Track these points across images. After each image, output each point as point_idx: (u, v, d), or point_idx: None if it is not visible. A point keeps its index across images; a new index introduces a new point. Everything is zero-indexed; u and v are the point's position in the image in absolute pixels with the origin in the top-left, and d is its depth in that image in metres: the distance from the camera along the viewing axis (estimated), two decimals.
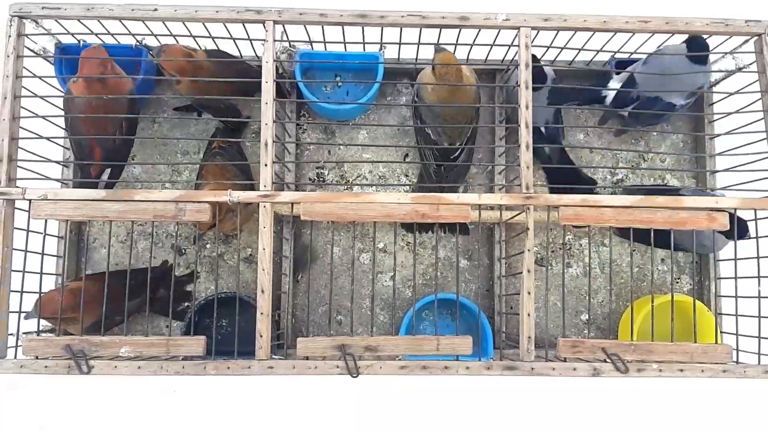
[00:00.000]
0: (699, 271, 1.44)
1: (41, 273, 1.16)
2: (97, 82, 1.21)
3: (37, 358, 1.09)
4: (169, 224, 1.42)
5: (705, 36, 1.25)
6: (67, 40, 1.31)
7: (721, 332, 1.34)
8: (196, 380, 1.48)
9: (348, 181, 1.44)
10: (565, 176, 1.35)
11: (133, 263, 1.40)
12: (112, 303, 1.16)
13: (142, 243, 1.41)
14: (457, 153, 1.32)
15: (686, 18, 1.19)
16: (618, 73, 1.38)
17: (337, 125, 1.46)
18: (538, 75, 1.31)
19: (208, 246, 1.41)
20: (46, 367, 1.08)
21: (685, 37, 1.28)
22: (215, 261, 1.40)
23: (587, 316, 1.43)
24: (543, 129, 1.35)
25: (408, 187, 1.44)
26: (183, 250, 1.41)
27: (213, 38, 1.25)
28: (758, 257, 1.18)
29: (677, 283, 1.44)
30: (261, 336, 1.10)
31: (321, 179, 1.44)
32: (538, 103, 1.32)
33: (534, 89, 1.20)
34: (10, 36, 1.17)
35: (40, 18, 1.19)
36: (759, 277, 1.18)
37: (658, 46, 1.32)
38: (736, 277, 1.21)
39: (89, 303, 1.16)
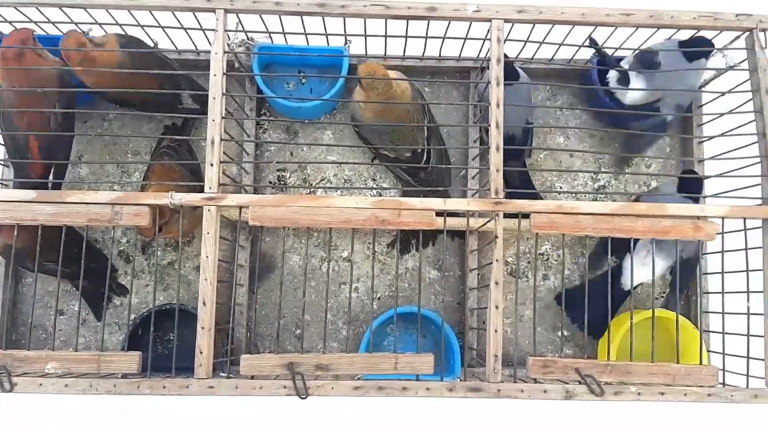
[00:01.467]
0: (686, 285, 1.34)
1: None
2: (16, 66, 1.12)
3: None
4: (116, 230, 1.32)
5: (694, 31, 1.15)
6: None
7: (708, 351, 1.24)
8: (142, 398, 1.38)
9: (311, 184, 1.35)
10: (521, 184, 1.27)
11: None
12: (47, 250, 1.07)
13: None
14: (425, 158, 1.23)
15: (672, 11, 1.10)
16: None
17: (301, 125, 1.37)
18: (511, 71, 1.23)
19: (158, 253, 1.31)
20: None
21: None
22: (164, 269, 1.30)
23: (564, 333, 1.33)
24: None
25: (374, 191, 1.35)
26: (130, 257, 1.31)
27: (163, 28, 1.15)
28: (747, 270, 1.09)
29: (662, 297, 1.35)
30: (201, 353, 1.00)
31: (282, 182, 1.35)
32: (514, 100, 1.23)
33: (507, 86, 1.12)
34: None
35: None
36: (748, 292, 1.09)
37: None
38: (723, 292, 1.12)
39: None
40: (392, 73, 1.17)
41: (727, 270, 1.12)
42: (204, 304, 1.00)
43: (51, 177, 1.19)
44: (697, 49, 1.20)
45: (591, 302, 1.04)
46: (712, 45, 1.20)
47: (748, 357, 1.06)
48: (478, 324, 1.28)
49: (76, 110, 1.23)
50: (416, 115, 1.20)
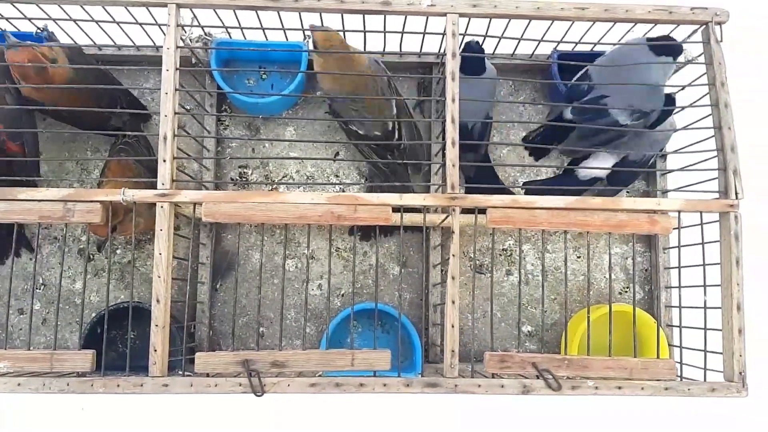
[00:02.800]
0: (649, 279, 1.35)
1: None
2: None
3: None
4: (76, 228, 1.31)
5: (650, 25, 1.15)
6: None
7: (670, 345, 1.25)
8: (103, 398, 1.36)
9: (273, 181, 1.34)
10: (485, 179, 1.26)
11: (38, 270, 1.29)
12: None
13: (47, 248, 1.30)
14: (396, 135, 1.22)
15: (627, 5, 1.10)
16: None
17: (263, 122, 1.36)
18: (478, 63, 1.22)
19: (118, 251, 1.30)
20: None
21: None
22: (124, 267, 1.29)
23: (530, 328, 1.33)
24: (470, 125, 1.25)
25: (337, 187, 1.34)
26: (91, 256, 1.30)
27: (118, 23, 1.14)
28: (704, 264, 1.09)
29: (626, 292, 1.35)
30: (156, 350, 0.99)
31: (244, 179, 1.34)
32: (477, 94, 1.23)
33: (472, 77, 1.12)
34: None
35: None
36: (705, 285, 1.09)
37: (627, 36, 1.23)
38: (680, 286, 1.13)
39: None
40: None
41: (684, 264, 1.13)
42: (158, 301, 0.99)
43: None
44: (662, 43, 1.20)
45: None
46: (680, 49, 1.20)
47: (705, 350, 1.07)
48: (441, 320, 1.27)
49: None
50: (383, 88, 1.20)
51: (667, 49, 1.20)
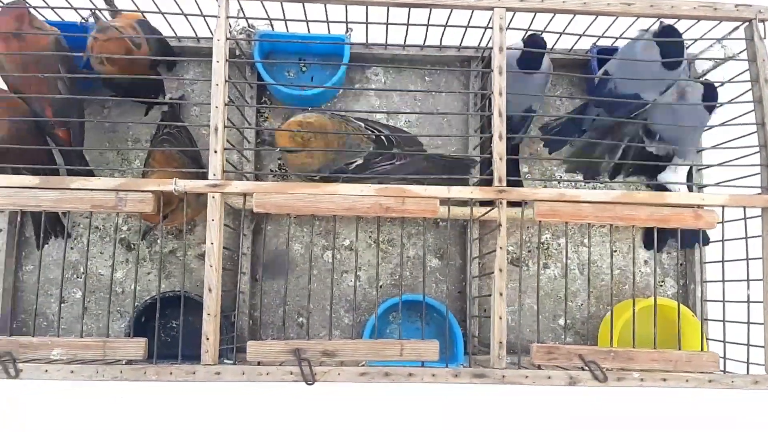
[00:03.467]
0: (684, 274, 1.36)
1: None
2: (14, 40, 1.11)
3: None
4: (117, 217, 1.31)
5: (693, 21, 1.16)
6: None
7: (707, 339, 1.26)
8: (144, 386, 1.38)
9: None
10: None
11: (78, 259, 1.30)
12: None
13: (87, 237, 1.31)
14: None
15: (672, 1, 1.11)
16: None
17: (301, 113, 1.37)
18: (534, 60, 1.23)
19: (158, 241, 1.31)
20: None
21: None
22: (166, 257, 1.30)
23: (565, 321, 1.34)
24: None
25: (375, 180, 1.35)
26: (132, 246, 1.31)
27: (163, 14, 1.15)
28: (747, 258, 1.10)
29: (661, 286, 1.36)
30: (207, 339, 1.00)
31: (283, 170, 1.35)
32: (530, 89, 1.24)
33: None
34: None
35: None
36: (748, 280, 1.10)
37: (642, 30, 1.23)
38: (723, 281, 1.14)
39: None
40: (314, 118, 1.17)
41: (727, 259, 1.14)
42: (210, 290, 1.01)
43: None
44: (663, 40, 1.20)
45: None
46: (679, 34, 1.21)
47: (748, 344, 1.08)
48: (479, 312, 1.29)
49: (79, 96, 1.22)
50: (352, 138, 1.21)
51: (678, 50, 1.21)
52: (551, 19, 1.15)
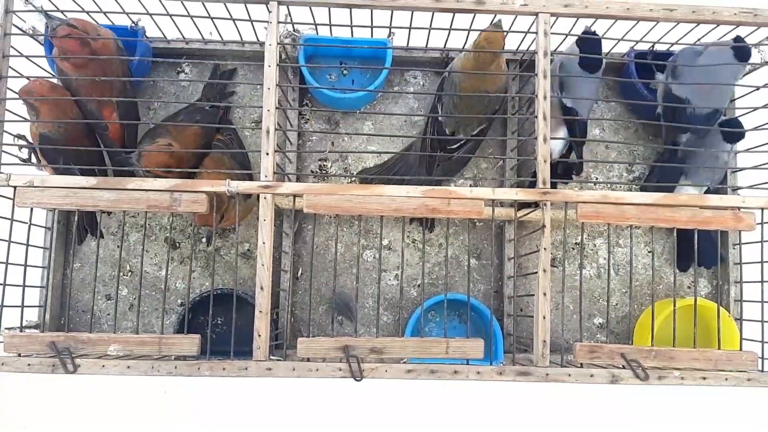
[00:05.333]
0: (717, 275, 1.38)
1: (25, 265, 1.09)
2: (82, 52, 1.15)
3: (19, 355, 1.02)
4: (163, 216, 1.35)
5: (733, 27, 1.18)
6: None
7: (742, 339, 1.28)
8: (187, 381, 1.41)
9: (352, 174, 1.37)
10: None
11: (125, 257, 1.34)
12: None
13: (134, 236, 1.34)
14: (457, 145, 1.25)
15: (714, 7, 1.13)
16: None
17: (342, 115, 1.40)
18: (595, 60, 1.24)
19: (203, 240, 1.34)
20: (29, 365, 1.02)
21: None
22: (211, 256, 1.33)
23: (601, 320, 1.36)
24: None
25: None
26: (177, 244, 1.34)
27: (212, 18, 1.18)
28: None
29: (692, 286, 1.38)
30: (259, 335, 1.03)
31: (324, 171, 1.38)
32: (587, 91, 1.26)
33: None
34: None
35: None
36: None
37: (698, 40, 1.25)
38: (762, 281, 1.15)
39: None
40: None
41: (759, 260, 1.16)
42: (261, 288, 1.03)
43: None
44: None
45: None
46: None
47: None
48: (515, 311, 1.31)
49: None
50: (492, 102, 1.23)
51: (744, 53, 1.22)
52: (593, 24, 1.17)
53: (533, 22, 1.12)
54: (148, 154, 1.15)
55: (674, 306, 1.08)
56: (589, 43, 1.22)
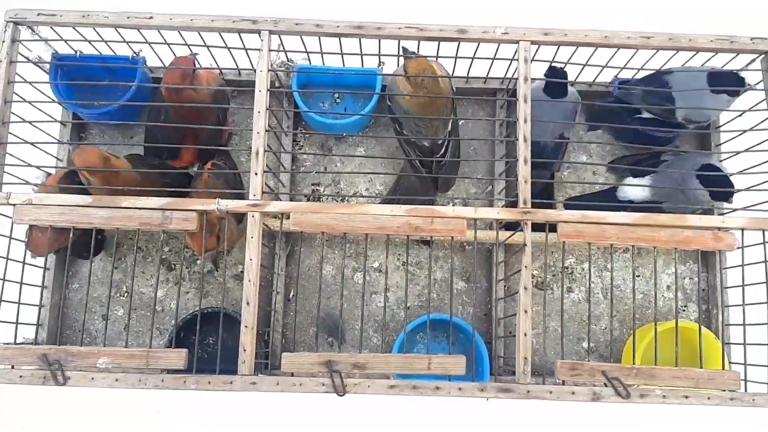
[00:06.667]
0: (707, 299, 1.38)
1: (21, 282, 1.14)
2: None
3: (12, 367, 1.05)
4: (159, 239, 1.38)
5: (711, 54, 1.21)
6: (62, 46, 1.30)
7: (729, 363, 1.28)
8: (180, 401, 1.43)
9: (344, 198, 1.41)
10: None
11: (122, 278, 1.37)
12: None
13: (131, 257, 1.38)
14: (443, 149, 1.29)
15: (690, 35, 1.16)
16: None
17: (335, 142, 1.44)
18: (560, 87, 1.29)
19: (198, 262, 1.37)
20: (21, 377, 1.05)
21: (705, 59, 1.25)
22: (204, 278, 1.36)
23: (588, 343, 1.37)
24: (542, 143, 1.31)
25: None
26: (173, 266, 1.38)
27: (208, 47, 1.23)
28: (767, 282, 1.13)
29: (684, 311, 1.39)
30: (245, 350, 1.05)
31: (316, 195, 1.41)
32: (558, 117, 1.30)
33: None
34: (3, 41, 1.16)
35: (35, 24, 1.19)
36: None
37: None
38: (743, 304, 1.16)
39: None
40: (435, 65, 1.21)
41: (747, 283, 1.16)
42: (248, 304, 1.06)
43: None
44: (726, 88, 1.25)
45: None
46: (743, 83, 1.24)
47: None
48: (504, 333, 1.32)
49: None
50: (447, 107, 1.25)
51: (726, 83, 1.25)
52: (574, 52, 1.21)
53: (516, 50, 1.16)
54: (81, 150, 1.17)
55: (655, 328, 1.09)
56: (555, 72, 1.26)
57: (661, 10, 1.72)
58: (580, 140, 1.44)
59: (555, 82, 1.26)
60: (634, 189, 1.35)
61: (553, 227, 1.10)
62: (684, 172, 1.25)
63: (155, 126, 1.30)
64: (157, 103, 1.29)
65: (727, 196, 1.23)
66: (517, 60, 1.16)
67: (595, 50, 1.20)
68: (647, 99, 1.30)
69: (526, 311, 1.07)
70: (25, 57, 1.22)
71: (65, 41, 1.25)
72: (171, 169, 1.32)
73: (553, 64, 1.27)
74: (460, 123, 1.46)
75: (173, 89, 1.24)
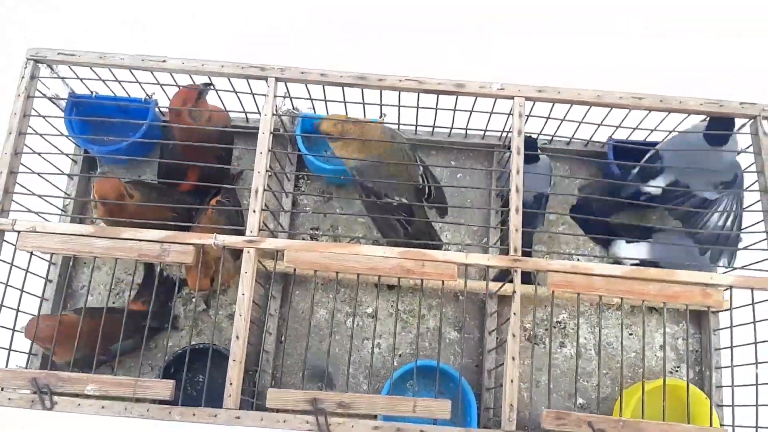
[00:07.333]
0: (700, 360, 1.38)
1: (17, 310, 1.16)
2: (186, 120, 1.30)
3: (1, 389, 1.06)
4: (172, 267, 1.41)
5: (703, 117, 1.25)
6: (76, 83, 1.36)
7: (721, 424, 1.26)
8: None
9: (340, 241, 1.43)
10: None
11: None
12: (105, 341, 1.17)
13: (127, 293, 1.40)
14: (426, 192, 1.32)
15: (680, 97, 1.21)
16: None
17: (336, 189, 1.47)
18: (532, 156, 1.33)
19: (193, 300, 1.39)
20: (9, 399, 1.06)
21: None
22: (198, 315, 1.38)
23: (579, 400, 1.36)
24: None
25: None
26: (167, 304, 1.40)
27: (216, 90, 1.29)
28: (756, 342, 1.13)
29: (676, 371, 1.38)
30: (231, 384, 1.06)
31: (315, 240, 1.44)
32: (534, 177, 1.32)
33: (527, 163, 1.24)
34: (23, 77, 1.22)
35: (54, 63, 1.25)
36: (756, 363, 1.13)
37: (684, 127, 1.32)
38: (732, 366, 1.16)
39: (82, 336, 1.13)
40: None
41: (738, 343, 1.16)
42: (237, 338, 1.07)
43: None
44: (719, 132, 1.27)
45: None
46: (732, 124, 1.26)
47: (756, 426, 1.09)
48: (495, 384, 1.32)
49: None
50: (404, 153, 1.29)
51: (722, 136, 1.28)
52: (569, 110, 1.25)
53: (511, 106, 1.21)
54: (101, 181, 1.23)
55: (643, 385, 1.09)
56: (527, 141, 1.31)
57: (657, 73, 1.78)
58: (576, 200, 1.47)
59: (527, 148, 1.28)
60: (628, 252, 1.37)
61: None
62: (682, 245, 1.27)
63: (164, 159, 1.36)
64: (165, 141, 1.34)
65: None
66: (512, 114, 1.20)
67: (589, 109, 1.25)
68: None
69: (513, 358, 1.08)
70: (42, 93, 1.28)
71: (81, 80, 1.30)
72: (179, 197, 1.37)
73: (527, 137, 1.29)
74: (458, 176, 1.49)
75: (174, 110, 1.30)
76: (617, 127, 1.32)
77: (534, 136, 1.36)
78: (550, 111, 1.27)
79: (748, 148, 1.24)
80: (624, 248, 1.39)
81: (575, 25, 2.04)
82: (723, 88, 1.29)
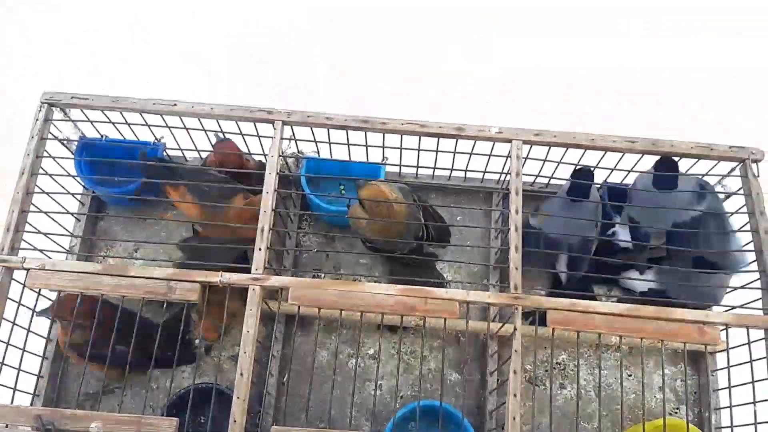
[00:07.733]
0: (699, 402, 1.39)
1: (23, 350, 1.17)
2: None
3: (6, 426, 1.06)
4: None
5: (684, 159, 1.29)
6: (86, 126, 1.39)
7: None
8: None
9: None
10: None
11: None
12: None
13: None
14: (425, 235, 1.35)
15: (672, 141, 1.25)
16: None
17: (339, 232, 1.50)
18: (581, 189, 1.35)
19: (196, 342, 1.40)
20: None
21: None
22: (202, 357, 1.38)
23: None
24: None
25: None
26: None
27: (224, 133, 1.33)
28: (753, 381, 1.14)
29: (676, 413, 1.38)
30: (234, 421, 1.06)
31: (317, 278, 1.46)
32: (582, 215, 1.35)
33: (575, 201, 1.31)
34: (37, 120, 1.26)
35: (68, 107, 1.29)
36: (755, 402, 1.14)
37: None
38: (731, 406, 1.17)
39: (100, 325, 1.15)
40: (387, 190, 1.27)
41: (735, 383, 1.18)
42: (241, 375, 1.08)
43: None
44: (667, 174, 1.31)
45: None
46: (676, 167, 1.31)
47: None
48: (496, 426, 1.32)
49: None
50: (413, 218, 1.31)
51: (669, 180, 1.32)
52: (564, 153, 1.29)
53: (509, 149, 1.25)
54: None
55: (643, 424, 1.10)
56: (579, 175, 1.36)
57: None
58: None
59: (579, 184, 1.33)
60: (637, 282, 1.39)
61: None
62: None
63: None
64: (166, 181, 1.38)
65: None
66: (511, 157, 1.24)
67: (584, 152, 1.29)
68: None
69: (515, 395, 1.09)
70: (54, 136, 1.31)
71: (92, 122, 1.34)
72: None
73: (581, 168, 1.34)
74: (458, 218, 1.53)
75: (235, 154, 1.40)
76: (612, 170, 1.36)
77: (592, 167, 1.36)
78: (546, 154, 1.31)
79: (738, 190, 1.28)
80: (635, 276, 1.40)
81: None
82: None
